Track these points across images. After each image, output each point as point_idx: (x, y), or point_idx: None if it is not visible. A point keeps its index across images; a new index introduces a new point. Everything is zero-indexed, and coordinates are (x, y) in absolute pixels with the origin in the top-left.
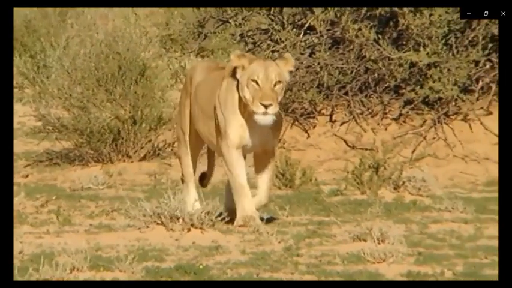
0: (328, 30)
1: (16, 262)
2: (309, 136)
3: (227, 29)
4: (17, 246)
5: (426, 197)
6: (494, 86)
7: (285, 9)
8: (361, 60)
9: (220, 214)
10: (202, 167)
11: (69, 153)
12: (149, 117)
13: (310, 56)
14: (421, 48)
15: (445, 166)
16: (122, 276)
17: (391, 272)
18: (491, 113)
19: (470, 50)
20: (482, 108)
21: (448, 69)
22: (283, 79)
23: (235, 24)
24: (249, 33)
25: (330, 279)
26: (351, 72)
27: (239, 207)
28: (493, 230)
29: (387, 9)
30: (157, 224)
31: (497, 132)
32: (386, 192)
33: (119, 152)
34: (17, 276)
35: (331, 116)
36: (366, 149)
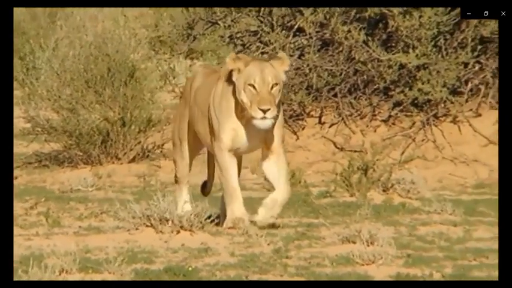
0: (317, 32)
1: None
2: (298, 138)
3: (216, 30)
4: None
5: (415, 199)
6: (483, 88)
7: (274, 10)
8: (350, 62)
9: (210, 216)
10: (203, 176)
11: (58, 155)
12: (138, 119)
13: (299, 57)
14: (410, 50)
15: (434, 168)
16: (111, 278)
17: (380, 274)
18: (480, 115)
19: (459, 52)
20: (471, 110)
21: (437, 71)
22: (280, 80)
23: (225, 26)
24: (238, 35)
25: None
26: (340, 74)
27: (229, 209)
28: (482, 232)
29: (377, 11)
30: (147, 226)
31: (485, 134)
32: (375, 194)
33: (108, 154)
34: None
35: (320, 117)
36: (355, 151)
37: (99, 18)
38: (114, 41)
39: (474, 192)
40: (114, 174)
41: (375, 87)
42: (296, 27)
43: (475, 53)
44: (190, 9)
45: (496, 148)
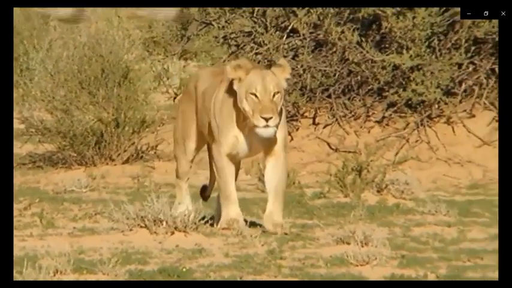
0: (311, 32)
1: None
2: (292, 139)
3: (210, 31)
4: None
5: (409, 200)
6: (477, 89)
7: (268, 11)
8: (344, 63)
9: (204, 217)
10: (199, 177)
11: (52, 156)
12: (132, 120)
13: (293, 58)
14: (404, 51)
15: (428, 169)
16: (105, 279)
17: (375, 274)
18: (474, 116)
19: (453, 53)
20: (465, 111)
21: (431, 72)
22: (281, 88)
23: (218, 27)
24: (232, 36)
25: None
26: (334, 75)
27: (224, 210)
28: (476, 233)
29: (370, 11)
30: (141, 227)
31: (479, 134)
32: (369, 195)
33: (102, 155)
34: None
35: (314, 118)
36: (349, 152)
37: (92, 19)
38: (108, 42)
39: (468, 193)
40: (108, 175)
41: (369, 88)
42: (290, 28)
43: (469, 54)
44: (184, 10)
45: (490, 149)
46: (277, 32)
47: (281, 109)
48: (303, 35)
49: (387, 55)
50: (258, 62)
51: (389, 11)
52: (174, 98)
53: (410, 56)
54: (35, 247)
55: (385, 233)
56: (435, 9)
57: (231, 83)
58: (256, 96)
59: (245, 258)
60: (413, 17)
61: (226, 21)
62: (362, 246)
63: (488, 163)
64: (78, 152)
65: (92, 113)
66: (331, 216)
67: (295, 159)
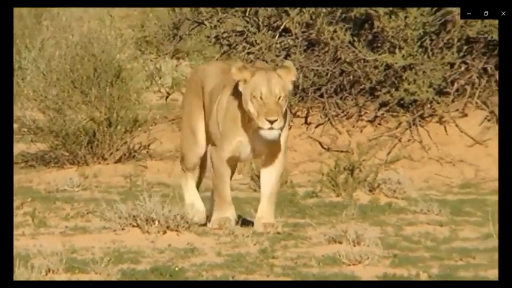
0: (303, 32)
1: None
2: None
3: (202, 31)
4: None
5: (401, 199)
6: (469, 88)
7: (260, 11)
8: (336, 63)
9: None
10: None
11: (44, 155)
12: (124, 119)
13: (285, 58)
14: (397, 51)
15: (420, 168)
16: (97, 279)
17: (367, 274)
18: (466, 115)
19: (445, 52)
20: (457, 110)
21: (423, 72)
22: (287, 90)
23: (211, 26)
24: (224, 35)
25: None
26: (326, 74)
27: (216, 209)
28: (468, 232)
29: (362, 11)
30: (133, 226)
31: (472, 134)
32: (361, 194)
33: (94, 154)
34: None
35: (306, 118)
36: (341, 151)
37: (84, 19)
38: (100, 41)
39: (460, 192)
40: (100, 174)
41: (361, 87)
42: (282, 27)
43: (461, 54)
44: (177, 9)
45: (482, 148)
46: (270, 32)
47: (285, 112)
48: (295, 34)
49: (379, 54)
50: (250, 62)
51: (381, 10)
52: (167, 98)
53: (403, 55)
54: (27, 246)
55: (377, 232)
56: (427, 9)
57: (234, 87)
58: (261, 98)
59: (237, 258)
60: (406, 17)
61: (218, 21)
62: (354, 246)
63: (480, 162)
64: (71, 151)
65: (84, 112)
66: (323, 216)
67: (287, 158)
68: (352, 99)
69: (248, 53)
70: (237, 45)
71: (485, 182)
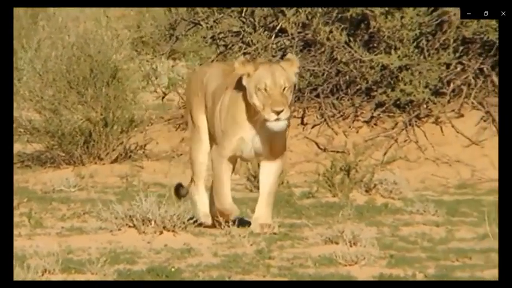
0: (299, 32)
1: None
2: None
3: (198, 31)
4: None
5: (398, 199)
6: (465, 89)
7: (256, 11)
8: (332, 63)
9: (192, 217)
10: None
11: (40, 156)
12: (121, 120)
13: (281, 58)
14: (393, 51)
15: (416, 169)
16: (94, 279)
17: (363, 274)
18: (462, 116)
19: (441, 53)
20: (453, 110)
21: (419, 72)
22: (291, 82)
23: (207, 27)
24: (220, 36)
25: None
26: (323, 74)
27: (218, 203)
28: (464, 232)
29: (359, 11)
30: (129, 226)
31: (468, 134)
32: (357, 194)
33: (90, 154)
34: None
35: (302, 118)
36: (338, 152)
37: (81, 19)
38: (96, 42)
39: (456, 192)
40: (96, 174)
41: (357, 88)
42: (278, 27)
43: (457, 54)
44: (173, 9)
45: (478, 149)
46: (266, 32)
47: (289, 105)
48: (291, 34)
49: (375, 55)
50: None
51: (377, 10)
52: (163, 98)
53: (399, 55)
54: (23, 247)
55: (374, 233)
56: (423, 9)
57: (235, 86)
58: (266, 90)
59: (234, 258)
60: (402, 17)
61: (214, 21)
62: (350, 246)
63: (477, 163)
64: (67, 151)
65: (80, 113)
66: (319, 216)
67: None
68: (348, 100)
69: (244, 53)
70: (233, 45)
71: (482, 183)
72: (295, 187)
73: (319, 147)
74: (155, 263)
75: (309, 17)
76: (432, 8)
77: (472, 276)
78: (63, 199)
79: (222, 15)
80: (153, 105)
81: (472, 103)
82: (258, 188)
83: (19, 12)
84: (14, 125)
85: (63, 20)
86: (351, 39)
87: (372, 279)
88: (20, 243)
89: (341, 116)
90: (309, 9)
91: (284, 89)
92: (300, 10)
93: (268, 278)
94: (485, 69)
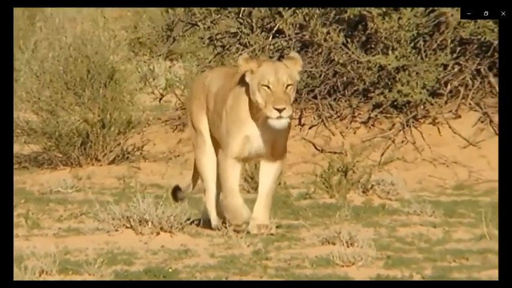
0: (297, 33)
1: None
2: None
3: (196, 32)
4: None
5: (395, 200)
6: (462, 90)
7: (253, 12)
8: (329, 64)
9: (189, 218)
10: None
11: (37, 157)
12: (118, 121)
13: (279, 59)
14: (390, 52)
15: (413, 170)
16: (91, 280)
17: (360, 275)
18: (459, 117)
19: (438, 54)
20: (450, 111)
21: (417, 73)
22: (294, 80)
23: (204, 28)
24: (217, 37)
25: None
26: (320, 75)
27: (226, 205)
28: (462, 233)
29: (356, 12)
30: (126, 227)
31: (465, 135)
32: (355, 195)
33: (87, 156)
34: None
35: (299, 119)
36: (335, 153)
37: (78, 20)
38: (93, 43)
39: (453, 193)
40: (93, 175)
41: (355, 88)
42: (275, 28)
43: (454, 55)
44: (170, 10)
45: (475, 149)
46: (263, 33)
47: (293, 101)
48: (289, 35)
49: (373, 56)
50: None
51: (374, 11)
52: (160, 99)
53: (396, 56)
54: (21, 248)
55: (371, 234)
56: (421, 10)
57: (238, 85)
58: (269, 87)
59: (231, 259)
60: (399, 18)
61: (212, 22)
62: (348, 247)
63: (474, 164)
64: (64, 152)
65: (77, 114)
66: (316, 217)
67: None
68: (345, 101)
69: (242, 55)
70: (230, 46)
71: (479, 183)
72: (293, 188)
73: (316, 148)
74: (152, 264)
75: (307, 18)
76: (429, 9)
77: (469, 277)
78: (61, 200)
79: (219, 16)
80: (150, 106)
81: (470, 104)
82: (255, 189)
83: (16, 13)
84: None
85: (60, 20)
86: (348, 40)
87: (369, 280)
88: (17, 244)
89: (338, 117)
90: (306, 10)
91: (287, 87)
92: (298, 11)
93: (265, 279)
94: (482, 70)
